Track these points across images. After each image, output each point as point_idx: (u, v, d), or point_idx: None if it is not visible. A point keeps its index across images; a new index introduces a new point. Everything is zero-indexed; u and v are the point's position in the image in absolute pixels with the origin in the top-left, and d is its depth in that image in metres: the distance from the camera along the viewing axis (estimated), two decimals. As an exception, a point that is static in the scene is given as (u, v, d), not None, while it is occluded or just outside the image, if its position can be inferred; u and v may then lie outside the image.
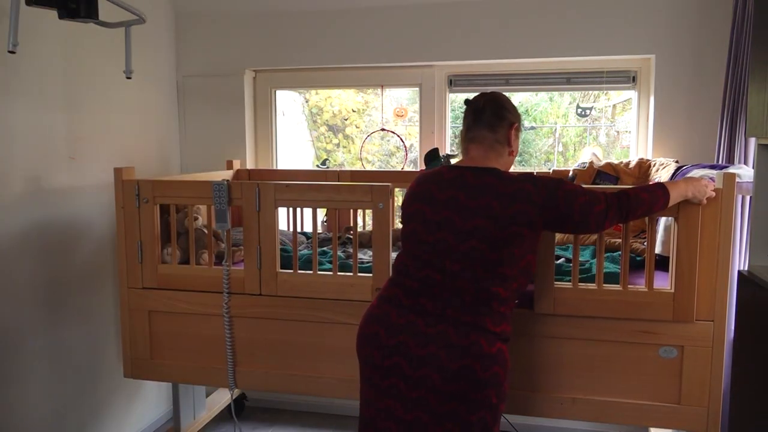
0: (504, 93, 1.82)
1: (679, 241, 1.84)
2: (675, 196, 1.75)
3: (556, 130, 4.46)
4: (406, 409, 1.59)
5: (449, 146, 3.16)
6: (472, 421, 1.56)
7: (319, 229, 2.95)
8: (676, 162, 2.48)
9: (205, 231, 2.33)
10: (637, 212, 1.71)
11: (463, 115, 1.79)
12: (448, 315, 1.58)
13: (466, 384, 1.54)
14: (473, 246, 1.57)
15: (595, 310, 1.92)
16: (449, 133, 3.16)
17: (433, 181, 1.67)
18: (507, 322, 1.64)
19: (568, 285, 1.95)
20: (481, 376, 1.55)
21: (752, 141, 2.32)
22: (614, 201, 1.67)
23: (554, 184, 1.62)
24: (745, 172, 2.03)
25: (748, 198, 2.31)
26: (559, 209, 1.61)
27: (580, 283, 1.95)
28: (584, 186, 1.69)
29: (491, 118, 1.71)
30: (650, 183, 1.68)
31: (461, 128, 1.78)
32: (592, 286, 1.93)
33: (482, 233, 1.56)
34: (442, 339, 1.56)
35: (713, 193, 1.80)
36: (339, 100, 4.42)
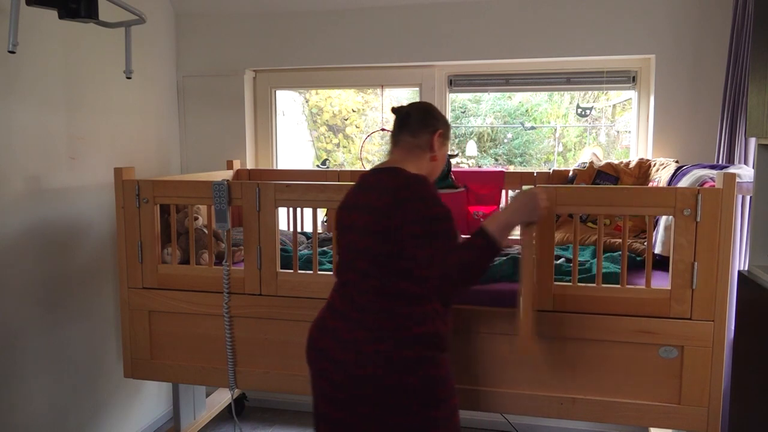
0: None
1: (678, 240, 1.84)
2: (501, 235, 1.56)
3: (556, 130, 4.46)
4: (335, 410, 1.62)
5: (449, 146, 3.16)
6: (391, 426, 1.56)
7: (320, 229, 2.95)
8: (676, 162, 2.48)
9: (205, 231, 2.33)
10: (472, 277, 1.55)
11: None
12: (365, 321, 1.59)
13: (375, 390, 1.55)
14: (368, 244, 1.59)
15: (594, 309, 1.92)
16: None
17: (354, 186, 1.74)
18: (429, 323, 1.58)
19: (568, 285, 1.95)
20: (388, 383, 1.55)
21: (752, 141, 2.32)
22: (449, 278, 1.52)
23: (431, 204, 1.54)
24: (745, 172, 2.03)
25: (748, 198, 2.31)
26: (415, 230, 1.52)
27: (579, 283, 1.95)
28: (457, 253, 1.52)
29: (414, 123, 1.73)
30: (473, 236, 1.54)
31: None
32: (591, 285, 1.93)
33: (370, 228, 1.59)
34: (354, 345, 1.58)
35: (546, 202, 1.69)
36: (339, 100, 4.42)
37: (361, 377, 1.56)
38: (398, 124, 1.77)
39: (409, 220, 1.53)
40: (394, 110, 1.80)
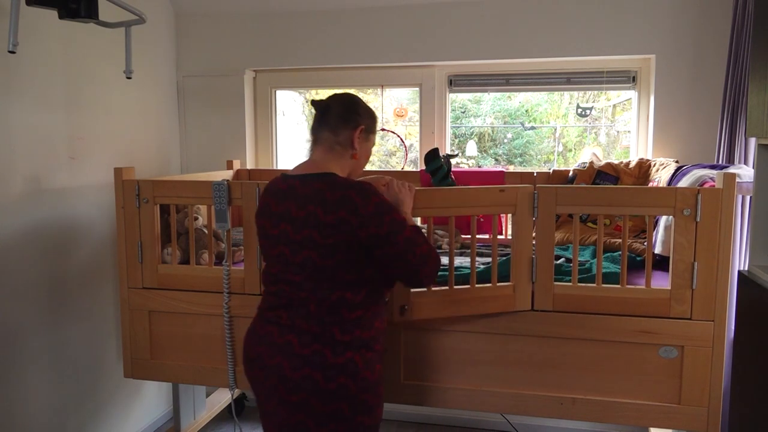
0: (355, 95, 1.76)
1: (678, 240, 1.84)
2: (409, 219, 1.72)
3: (556, 130, 4.46)
4: (269, 418, 1.61)
5: (449, 146, 3.16)
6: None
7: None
8: (676, 162, 2.48)
9: (205, 231, 2.33)
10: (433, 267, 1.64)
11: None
12: (297, 325, 1.57)
13: (309, 395, 1.53)
14: (306, 256, 1.54)
15: (594, 309, 1.92)
16: (449, 133, 3.16)
17: (271, 194, 1.65)
18: (362, 328, 1.58)
19: (568, 285, 1.95)
20: (324, 387, 1.52)
21: (752, 141, 2.32)
22: (429, 257, 1.61)
23: (386, 208, 1.55)
24: (745, 172, 2.03)
25: (748, 198, 2.31)
26: (377, 231, 1.53)
27: (579, 283, 1.95)
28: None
29: (334, 119, 1.66)
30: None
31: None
32: (591, 285, 1.93)
33: (312, 243, 1.53)
34: (287, 349, 1.56)
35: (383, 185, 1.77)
36: (339, 100, 4.41)
37: (296, 380, 1.53)
38: (318, 119, 1.69)
39: (372, 235, 1.52)
40: (314, 103, 1.71)
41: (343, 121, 1.66)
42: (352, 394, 1.55)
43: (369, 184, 1.58)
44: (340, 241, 1.52)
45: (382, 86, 3.21)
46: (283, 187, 1.62)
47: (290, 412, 1.54)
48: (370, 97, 3.64)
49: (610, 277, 1.96)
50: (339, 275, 1.55)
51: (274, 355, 1.57)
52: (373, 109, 1.77)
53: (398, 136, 3.35)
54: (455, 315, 1.98)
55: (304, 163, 1.68)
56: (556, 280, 1.95)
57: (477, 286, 1.97)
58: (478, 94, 4.34)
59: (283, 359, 1.55)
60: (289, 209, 1.58)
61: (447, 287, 1.97)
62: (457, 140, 3.99)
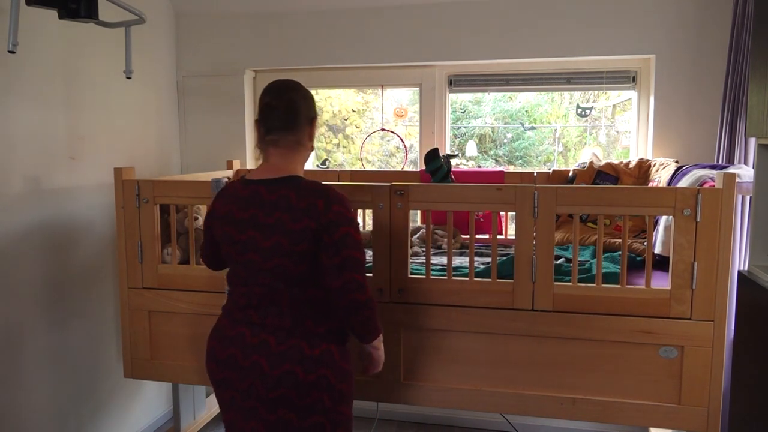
0: (303, 84, 1.70)
1: (678, 240, 1.84)
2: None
3: (556, 130, 4.47)
4: (245, 419, 1.59)
5: (449, 146, 3.16)
6: (305, 427, 1.55)
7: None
8: (676, 162, 2.48)
9: (205, 231, 2.33)
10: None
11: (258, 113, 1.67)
12: (270, 323, 1.57)
13: (290, 389, 1.53)
14: (278, 263, 1.54)
15: (594, 309, 1.92)
16: (449, 133, 3.16)
17: (232, 201, 1.61)
18: (333, 319, 1.60)
19: (568, 285, 1.95)
20: (303, 379, 1.53)
21: (752, 141, 2.32)
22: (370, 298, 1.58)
23: (344, 220, 1.54)
24: (745, 172, 2.03)
25: (748, 198, 2.31)
26: (327, 239, 1.53)
27: (579, 283, 1.95)
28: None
29: (289, 117, 1.61)
30: None
31: (261, 129, 1.65)
32: (591, 285, 1.93)
33: (282, 250, 1.53)
34: (264, 348, 1.56)
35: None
36: (339, 100, 4.43)
37: (276, 377, 1.53)
38: (270, 118, 1.62)
39: (324, 241, 1.52)
40: (265, 105, 1.63)
41: (296, 120, 1.62)
42: (331, 384, 1.56)
43: (334, 190, 1.57)
44: (308, 248, 1.53)
45: (382, 86, 3.21)
46: (245, 193, 1.59)
47: (271, 408, 1.55)
48: (370, 97, 3.64)
49: (610, 277, 1.96)
50: (310, 278, 1.57)
51: (250, 355, 1.57)
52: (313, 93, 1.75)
53: (398, 136, 3.36)
54: (452, 304, 1.99)
55: (265, 166, 1.64)
56: (556, 280, 1.95)
57: (476, 279, 1.99)
58: (479, 95, 4.34)
59: (260, 358, 1.55)
60: (256, 215, 1.56)
61: (446, 277, 2.00)
62: (457, 141, 3.99)
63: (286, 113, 1.61)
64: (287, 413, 1.54)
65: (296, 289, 1.56)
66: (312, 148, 1.70)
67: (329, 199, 1.53)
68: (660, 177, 2.40)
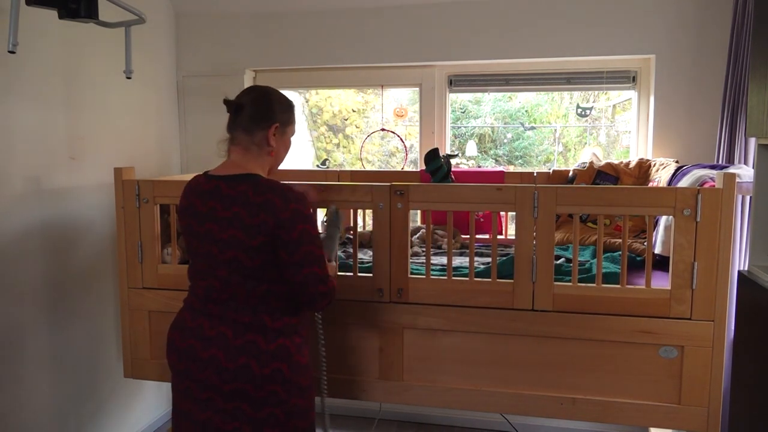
0: (275, 89, 1.78)
1: (678, 240, 1.84)
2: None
3: (556, 130, 4.47)
4: (201, 409, 1.63)
5: (449, 146, 3.16)
6: (259, 419, 1.60)
7: (319, 229, 2.94)
8: (676, 162, 2.48)
9: (205, 231, 2.33)
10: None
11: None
12: (228, 317, 1.62)
13: (246, 383, 1.58)
14: (233, 256, 1.59)
15: (594, 309, 1.92)
16: (449, 133, 3.16)
17: (196, 194, 1.67)
18: (289, 315, 1.65)
19: (568, 285, 1.95)
20: (258, 373, 1.58)
21: (752, 141, 2.32)
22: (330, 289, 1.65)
23: (301, 217, 1.59)
24: (745, 172, 2.03)
25: (748, 198, 2.31)
26: (285, 236, 1.57)
27: (579, 283, 1.95)
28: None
29: (247, 120, 1.68)
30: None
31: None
32: (591, 285, 1.93)
33: (238, 243, 1.58)
34: (221, 340, 1.60)
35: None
36: (339, 100, 4.43)
37: (232, 370, 1.58)
38: (231, 119, 1.70)
39: (282, 239, 1.57)
40: (226, 103, 1.71)
41: (255, 122, 1.68)
42: (286, 377, 1.61)
43: (291, 189, 1.61)
44: (263, 242, 1.57)
45: (382, 86, 3.21)
46: (207, 188, 1.66)
47: (227, 399, 1.60)
48: (370, 97, 3.64)
49: (610, 277, 1.96)
50: (266, 272, 1.60)
51: (208, 347, 1.61)
52: (288, 97, 1.79)
53: (398, 136, 3.36)
54: (452, 303, 2.00)
55: (226, 163, 1.71)
56: (556, 280, 1.95)
57: (476, 279, 1.99)
58: (479, 95, 4.34)
59: (218, 351, 1.60)
60: (215, 208, 1.61)
61: (446, 277, 2.00)
62: (457, 141, 3.99)
63: (244, 115, 1.69)
64: (242, 404, 1.60)
65: (253, 282, 1.60)
66: (271, 153, 1.72)
67: (287, 197, 1.58)
68: (660, 177, 2.40)
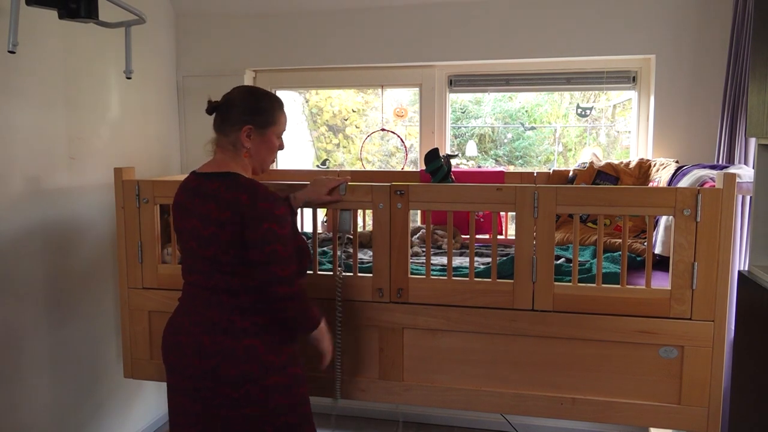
0: (259, 89, 1.81)
1: (678, 240, 1.84)
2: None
3: (556, 130, 4.46)
4: (192, 402, 1.68)
5: (449, 146, 3.16)
6: (233, 417, 1.64)
7: (320, 229, 2.95)
8: (676, 162, 2.48)
9: (205, 231, 2.33)
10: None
11: None
12: (207, 315, 1.66)
13: (217, 382, 1.62)
14: (213, 252, 1.63)
15: (594, 309, 1.92)
16: (449, 133, 3.16)
17: (184, 190, 1.73)
18: (258, 314, 1.66)
19: (568, 285, 1.95)
20: (229, 373, 1.62)
21: (752, 141, 2.32)
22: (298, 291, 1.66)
23: (268, 215, 1.60)
24: (745, 172, 2.03)
25: (748, 198, 2.31)
26: (251, 234, 1.59)
27: (579, 283, 1.95)
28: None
29: (221, 121, 1.73)
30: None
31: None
32: (591, 285, 1.93)
33: (216, 239, 1.61)
34: (197, 341, 1.65)
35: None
36: (339, 100, 4.42)
37: (208, 371, 1.63)
38: (214, 119, 1.76)
39: (248, 237, 1.59)
40: (209, 104, 1.76)
41: (229, 124, 1.72)
42: (256, 378, 1.63)
43: (262, 188, 1.63)
44: (232, 239, 1.60)
45: (382, 86, 3.21)
46: (193, 185, 1.71)
47: (210, 396, 1.64)
48: (370, 97, 3.64)
49: (610, 277, 1.96)
50: (239, 268, 1.63)
51: (191, 344, 1.66)
52: (278, 97, 1.82)
53: (398, 136, 3.36)
54: (452, 303, 2.00)
55: (211, 161, 1.76)
56: (556, 280, 1.95)
57: (476, 279, 2.00)
58: (479, 95, 4.34)
59: (197, 349, 1.64)
60: (196, 204, 1.66)
61: (445, 277, 2.00)
62: (457, 141, 3.99)
63: (218, 117, 1.74)
64: (223, 401, 1.63)
65: (230, 281, 1.64)
66: (247, 154, 1.72)
67: (256, 196, 1.60)
68: (660, 177, 2.40)
